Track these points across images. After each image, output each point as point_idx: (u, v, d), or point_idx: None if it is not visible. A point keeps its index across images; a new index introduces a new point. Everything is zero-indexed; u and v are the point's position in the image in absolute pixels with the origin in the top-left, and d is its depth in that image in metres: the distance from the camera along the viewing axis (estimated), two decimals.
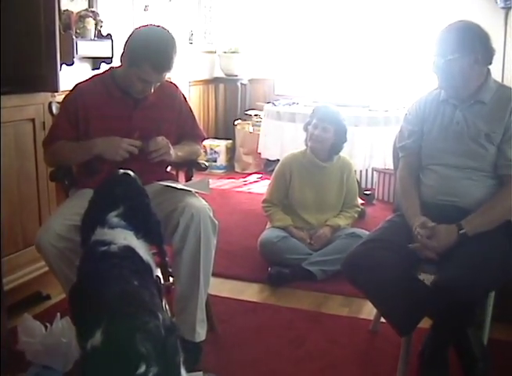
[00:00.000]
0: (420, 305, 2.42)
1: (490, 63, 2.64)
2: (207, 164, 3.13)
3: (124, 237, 2.16)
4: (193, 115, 3.03)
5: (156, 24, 2.77)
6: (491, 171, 2.59)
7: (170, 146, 2.74)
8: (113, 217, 2.21)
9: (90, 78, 2.85)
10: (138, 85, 2.69)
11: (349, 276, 2.68)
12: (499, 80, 5.59)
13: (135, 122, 2.75)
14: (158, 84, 2.73)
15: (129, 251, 2.11)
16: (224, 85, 7.59)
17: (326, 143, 3.95)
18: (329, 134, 3.93)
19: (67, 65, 4.18)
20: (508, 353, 2.84)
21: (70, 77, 3.82)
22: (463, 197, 2.58)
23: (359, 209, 4.23)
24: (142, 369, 1.59)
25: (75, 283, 2.08)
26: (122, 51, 2.70)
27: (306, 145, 4.05)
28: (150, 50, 2.61)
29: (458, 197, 2.59)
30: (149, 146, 2.68)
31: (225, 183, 6.48)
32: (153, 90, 2.72)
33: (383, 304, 2.59)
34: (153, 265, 2.26)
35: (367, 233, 3.70)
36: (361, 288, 2.67)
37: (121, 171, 2.43)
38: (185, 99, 3.01)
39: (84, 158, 2.74)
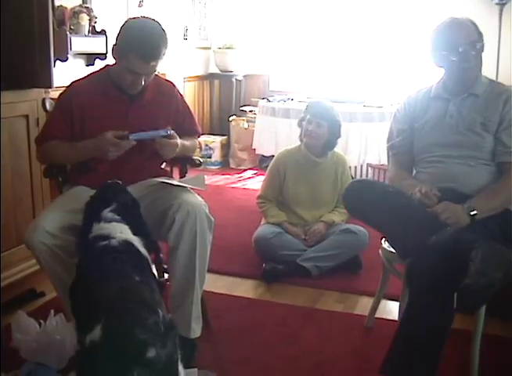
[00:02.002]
0: (419, 230, 2.40)
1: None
2: (201, 160, 3.12)
3: (121, 231, 2.19)
4: (191, 112, 3.02)
5: (146, 16, 2.76)
6: (489, 159, 2.63)
7: (177, 149, 2.76)
8: (107, 212, 2.24)
9: (86, 77, 2.83)
10: (127, 78, 2.66)
11: (350, 203, 2.76)
12: (494, 76, 5.65)
13: (131, 120, 2.73)
14: (150, 76, 2.70)
15: (128, 245, 2.14)
16: (219, 81, 7.59)
17: (320, 139, 3.95)
18: (323, 129, 3.92)
19: (61, 61, 4.17)
20: (503, 348, 2.85)
21: (64, 73, 3.83)
22: (463, 182, 2.60)
23: None
24: (152, 353, 1.61)
25: (76, 277, 2.08)
26: (113, 46, 2.69)
27: (300, 141, 4.04)
28: (135, 39, 2.59)
29: (458, 182, 2.61)
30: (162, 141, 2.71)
31: (220, 179, 6.48)
32: (144, 83, 2.68)
33: (384, 228, 2.62)
34: (150, 259, 2.27)
35: (362, 229, 3.73)
36: (361, 214, 2.74)
37: (109, 182, 2.47)
38: (182, 96, 2.99)
39: (78, 160, 2.75)
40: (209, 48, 7.49)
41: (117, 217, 2.24)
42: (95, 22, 4.65)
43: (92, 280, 1.94)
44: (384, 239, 2.79)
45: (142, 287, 1.94)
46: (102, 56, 4.66)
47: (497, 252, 2.20)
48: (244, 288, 3.59)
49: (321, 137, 3.94)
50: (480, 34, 2.64)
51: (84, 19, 4.52)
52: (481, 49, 2.64)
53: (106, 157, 2.59)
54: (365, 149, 5.49)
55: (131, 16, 2.82)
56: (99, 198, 2.35)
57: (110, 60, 2.83)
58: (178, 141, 2.74)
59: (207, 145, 6.96)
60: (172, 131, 2.72)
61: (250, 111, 7.08)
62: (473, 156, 2.62)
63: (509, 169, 2.58)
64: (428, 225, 2.39)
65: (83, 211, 2.36)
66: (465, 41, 2.60)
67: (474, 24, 2.66)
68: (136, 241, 2.20)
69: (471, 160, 2.62)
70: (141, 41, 2.58)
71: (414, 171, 2.83)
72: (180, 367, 1.79)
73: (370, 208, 2.59)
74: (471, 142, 2.62)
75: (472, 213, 2.44)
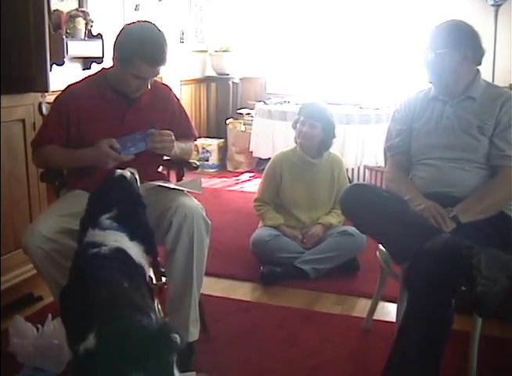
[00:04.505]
0: (416, 234, 2.40)
1: (480, 63, 2.70)
2: (198, 163, 3.12)
3: (115, 239, 2.14)
4: (187, 115, 3.03)
5: (143, 20, 2.76)
6: (484, 163, 2.63)
7: (173, 139, 2.72)
8: (105, 219, 2.20)
9: (82, 80, 2.83)
10: (134, 83, 2.66)
11: (347, 208, 2.74)
12: (490, 77, 5.67)
13: (128, 124, 2.72)
14: (153, 79, 2.72)
15: (120, 252, 2.10)
16: (215, 84, 7.59)
17: (314, 140, 3.95)
18: (317, 130, 3.93)
19: (57, 65, 4.17)
20: (502, 350, 2.85)
21: (61, 77, 3.82)
22: (458, 187, 2.60)
23: None
24: (147, 356, 1.61)
25: (66, 285, 2.07)
26: (113, 52, 2.68)
27: (296, 142, 4.05)
28: (142, 45, 2.58)
29: (453, 187, 2.61)
30: (153, 136, 2.65)
31: (217, 182, 6.48)
32: (149, 86, 2.70)
33: (380, 233, 2.61)
34: (146, 267, 2.24)
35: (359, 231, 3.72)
36: (357, 219, 2.72)
37: (119, 172, 2.43)
38: (178, 100, 3.00)
39: (74, 167, 2.75)
40: (205, 52, 7.49)
41: (115, 225, 2.19)
42: (92, 26, 4.65)
43: (82, 288, 1.92)
44: (380, 244, 2.79)
45: (133, 292, 1.92)
46: (99, 60, 4.66)
47: (499, 257, 2.21)
48: (242, 291, 3.59)
49: (315, 138, 3.94)
50: (470, 44, 2.62)
51: (81, 23, 4.52)
52: (467, 58, 2.62)
53: (105, 168, 2.59)
54: (362, 151, 5.49)
55: (128, 20, 2.81)
56: (100, 199, 2.30)
57: (107, 64, 2.83)
58: (173, 136, 2.72)
59: (204, 148, 6.96)
60: (168, 132, 2.71)
61: (247, 114, 7.08)
62: (468, 159, 2.62)
63: (501, 173, 2.59)
64: (424, 230, 2.39)
65: (81, 214, 2.35)
66: (443, 46, 2.60)
67: (469, 31, 2.65)
68: (132, 248, 2.16)
69: (466, 164, 2.62)
70: (146, 47, 2.58)
71: (410, 174, 2.83)
72: (175, 371, 1.78)
73: (366, 213, 2.59)
74: (467, 145, 2.63)
75: (451, 215, 2.46)
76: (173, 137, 2.71)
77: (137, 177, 2.48)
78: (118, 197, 2.30)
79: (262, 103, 6.24)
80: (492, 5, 6.13)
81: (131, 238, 2.20)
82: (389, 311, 3.23)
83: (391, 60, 6.73)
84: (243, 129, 6.96)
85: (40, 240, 2.40)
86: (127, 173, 2.43)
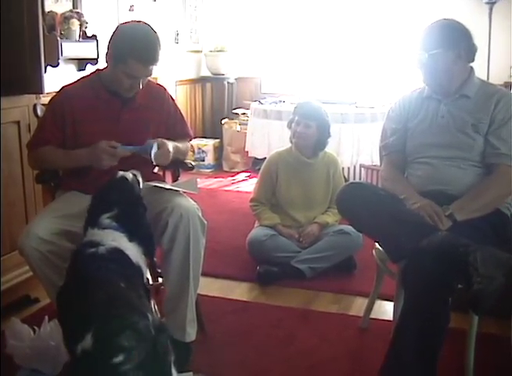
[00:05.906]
0: (412, 233, 2.40)
1: (473, 60, 2.70)
2: (193, 163, 3.12)
3: (113, 239, 2.15)
4: (182, 115, 3.03)
5: (137, 20, 2.77)
6: (479, 161, 2.64)
7: (170, 155, 2.73)
8: (104, 218, 2.21)
9: (76, 81, 2.83)
10: (126, 82, 2.67)
11: (343, 207, 2.75)
12: (485, 75, 5.67)
13: (123, 124, 2.73)
14: (146, 79, 2.72)
15: (117, 253, 2.10)
16: (211, 84, 7.59)
17: (309, 139, 3.95)
18: (311, 130, 3.93)
19: (52, 66, 4.16)
20: (499, 347, 2.85)
21: (55, 78, 3.82)
22: (454, 185, 2.61)
23: None
24: (145, 357, 1.61)
25: (62, 285, 2.07)
26: (107, 51, 2.69)
27: (291, 142, 4.05)
28: (134, 45, 2.59)
29: (449, 185, 2.62)
30: (152, 155, 2.66)
31: (213, 182, 6.48)
32: (141, 86, 2.70)
33: (376, 231, 2.61)
34: (143, 268, 2.25)
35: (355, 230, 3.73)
36: (354, 218, 2.72)
37: (121, 173, 2.43)
38: (173, 100, 3.00)
39: (70, 167, 2.75)
40: (200, 52, 7.49)
41: (114, 224, 2.20)
42: (86, 27, 4.63)
43: (78, 288, 1.92)
44: (376, 243, 2.79)
45: (130, 293, 1.93)
46: (94, 61, 4.65)
47: (495, 255, 2.21)
48: (239, 291, 3.59)
49: (310, 137, 3.95)
50: (463, 42, 2.63)
51: (75, 25, 4.51)
52: (460, 57, 2.63)
53: (101, 166, 2.59)
54: (357, 150, 5.49)
55: (122, 21, 2.82)
56: (101, 199, 2.31)
57: (102, 65, 2.83)
58: (171, 147, 2.73)
59: (199, 148, 6.96)
60: (164, 140, 2.71)
61: (243, 114, 7.08)
62: (463, 157, 2.63)
63: (496, 171, 2.59)
64: (421, 228, 2.40)
65: (76, 215, 2.34)
66: (436, 47, 2.61)
67: (461, 30, 2.66)
68: (130, 249, 2.17)
69: (461, 162, 2.63)
70: (140, 46, 2.59)
71: (406, 173, 2.84)
72: (173, 370, 1.79)
73: (363, 211, 2.59)
74: (462, 143, 2.63)
75: (447, 213, 2.47)
76: (171, 155, 2.72)
77: (139, 179, 2.48)
78: (119, 198, 2.30)
79: (257, 102, 6.24)
80: (487, 3, 6.13)
81: (130, 238, 2.21)
82: (386, 309, 3.23)
83: (386, 59, 6.73)
84: (239, 129, 6.97)
85: (36, 241, 2.40)
86: (129, 175, 2.44)
